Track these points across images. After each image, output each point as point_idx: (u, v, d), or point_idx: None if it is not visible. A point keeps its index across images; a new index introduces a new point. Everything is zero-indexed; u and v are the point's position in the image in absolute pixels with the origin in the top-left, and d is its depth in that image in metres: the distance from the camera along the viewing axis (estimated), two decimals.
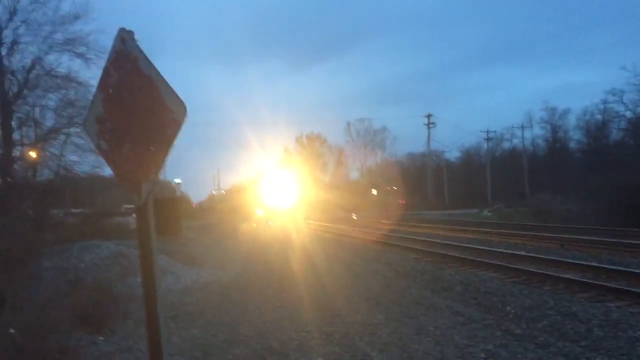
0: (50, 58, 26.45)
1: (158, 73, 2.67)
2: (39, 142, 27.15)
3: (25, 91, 26.26)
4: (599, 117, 58.03)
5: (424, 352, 6.07)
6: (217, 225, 33.16)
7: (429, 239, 20.06)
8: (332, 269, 12.87)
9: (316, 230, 30.04)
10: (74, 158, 27.29)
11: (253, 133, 79.29)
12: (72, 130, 26.40)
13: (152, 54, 2.69)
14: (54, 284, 10.06)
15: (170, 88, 2.66)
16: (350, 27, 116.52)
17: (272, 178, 36.77)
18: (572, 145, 64.73)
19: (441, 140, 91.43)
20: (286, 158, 64.39)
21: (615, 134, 57.03)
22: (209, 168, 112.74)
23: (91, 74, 26.14)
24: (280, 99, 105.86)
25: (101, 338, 7.05)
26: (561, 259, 12.73)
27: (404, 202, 53.52)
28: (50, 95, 26.92)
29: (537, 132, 68.63)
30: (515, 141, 68.86)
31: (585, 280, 9.96)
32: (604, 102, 54.76)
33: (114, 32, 2.76)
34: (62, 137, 27.20)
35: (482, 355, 5.93)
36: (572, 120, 63.79)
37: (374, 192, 59.65)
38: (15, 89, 26.01)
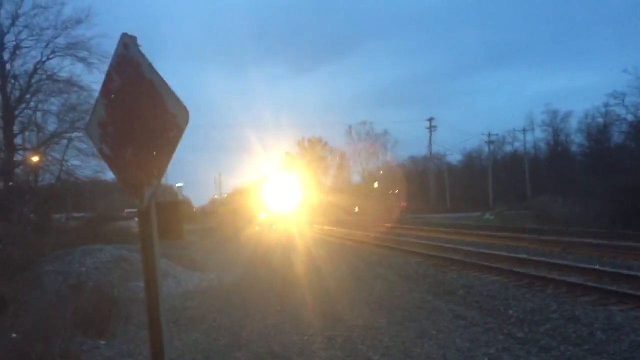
0: (53, 62, 26.61)
1: (160, 78, 2.68)
2: (41, 146, 27.24)
3: (27, 95, 26.38)
4: (600, 120, 58.02)
5: (426, 355, 6.06)
6: (219, 229, 33.15)
7: (431, 242, 20.03)
8: (334, 272, 12.85)
9: (319, 233, 30.02)
10: (76, 162, 27.42)
11: (255, 136, 79.57)
12: (74, 134, 26.52)
13: (154, 57, 2.71)
14: (56, 288, 10.07)
15: (173, 93, 2.67)
16: (351, 30, 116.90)
17: (274, 181, 36.73)
18: (574, 148, 64.70)
19: (443, 143, 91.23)
20: (288, 161, 64.41)
21: (616, 137, 57.00)
22: (210, 171, 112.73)
23: (93, 78, 26.30)
24: (281, 102, 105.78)
25: (103, 342, 7.05)
26: (563, 262, 12.69)
27: (405, 205, 53.47)
28: (53, 99, 27.06)
29: (539, 135, 68.64)
30: (517, 144, 68.85)
31: (588, 283, 9.93)
32: (606, 105, 54.72)
33: (116, 37, 2.78)
34: (64, 141, 27.32)
35: (485, 359, 5.91)
36: (573, 123, 63.70)
37: (376, 195, 59.61)
38: (17, 94, 26.12)
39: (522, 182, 58.58)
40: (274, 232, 28.06)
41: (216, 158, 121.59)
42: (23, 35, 25.80)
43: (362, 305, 8.86)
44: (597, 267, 11.95)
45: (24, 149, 27.06)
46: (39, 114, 27.65)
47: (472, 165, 72.95)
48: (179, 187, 64.98)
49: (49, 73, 26.40)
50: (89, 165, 26.93)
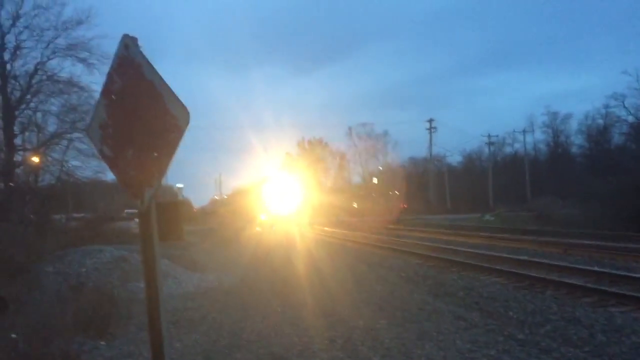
0: (53, 63, 26.61)
1: (161, 79, 2.68)
2: (41, 147, 27.24)
3: (27, 96, 26.37)
4: (600, 121, 58.14)
5: (426, 357, 6.06)
6: (219, 230, 33.12)
7: (432, 244, 20.04)
8: (335, 273, 12.85)
9: (319, 234, 30.02)
10: (76, 163, 27.43)
11: (255, 137, 79.61)
12: (75, 135, 26.51)
13: (155, 57, 2.71)
14: (56, 289, 10.06)
15: (174, 94, 2.67)
16: (352, 31, 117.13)
17: (274, 182, 36.74)
18: (574, 149, 64.85)
19: (443, 145, 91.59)
20: (288, 162, 64.44)
21: (616, 138, 57.13)
22: (210, 172, 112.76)
23: (93, 79, 26.33)
24: (282, 102, 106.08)
25: (103, 343, 7.04)
26: (564, 264, 12.69)
27: (405, 206, 53.48)
28: (53, 100, 27.05)
29: (539, 137, 68.80)
30: (517, 146, 68.99)
31: (588, 285, 9.93)
32: (606, 106, 54.92)
33: (117, 37, 2.78)
34: (65, 142, 27.32)
35: None
36: (573, 125, 63.91)
37: (376, 195, 59.61)
38: (17, 94, 26.12)
39: (522, 183, 58.61)
40: (275, 233, 28.08)
41: (216, 159, 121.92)
42: (24, 36, 25.82)
43: (363, 307, 8.85)
44: (597, 268, 11.95)
45: (24, 150, 27.06)
46: (39, 115, 27.66)
47: (473, 166, 73.02)
48: (179, 188, 65.04)
49: (49, 74, 26.41)
50: (89, 166, 26.95)
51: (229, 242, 23.91)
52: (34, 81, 26.16)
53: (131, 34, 2.78)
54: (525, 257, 14.38)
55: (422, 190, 61.73)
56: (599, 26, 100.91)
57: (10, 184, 24.07)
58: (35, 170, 26.56)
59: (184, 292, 11.12)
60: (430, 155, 65.47)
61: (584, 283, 10.17)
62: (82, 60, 26.15)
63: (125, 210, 40.60)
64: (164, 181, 3.11)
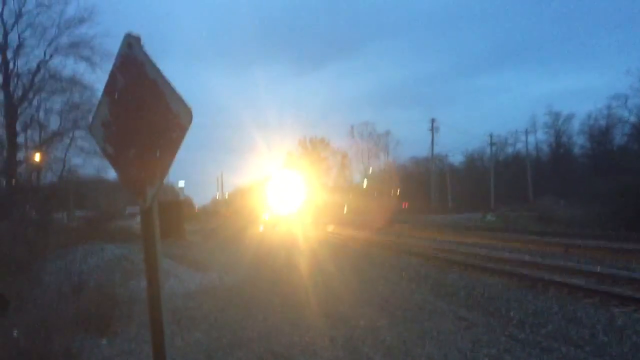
0: (55, 61, 26.70)
1: (164, 78, 2.68)
2: (44, 145, 27.29)
3: (30, 94, 26.44)
4: (602, 122, 57.94)
5: (427, 356, 6.06)
6: (221, 229, 33.15)
7: (433, 244, 20.04)
8: (336, 273, 12.86)
9: (321, 233, 30.00)
10: (78, 161, 27.53)
11: (257, 136, 79.58)
12: (77, 133, 26.59)
13: (157, 56, 2.70)
14: (58, 287, 10.07)
15: (176, 93, 2.67)
16: (355, 30, 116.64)
17: (276, 181, 36.73)
18: (576, 150, 64.64)
19: (445, 144, 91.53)
20: (290, 161, 64.45)
21: (619, 139, 56.94)
22: (212, 171, 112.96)
23: (96, 77, 26.41)
24: (284, 102, 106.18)
25: (104, 341, 7.06)
26: (565, 264, 12.68)
27: (407, 206, 53.43)
28: (55, 98, 27.15)
29: (541, 137, 68.54)
30: (519, 146, 68.80)
31: (590, 285, 9.92)
32: (608, 107, 54.75)
33: (119, 36, 2.78)
34: (67, 140, 27.39)
35: None
36: (575, 125, 63.71)
37: (376, 195, 59.56)
38: (20, 92, 26.19)
39: (524, 183, 58.50)
40: (277, 233, 28.08)
41: (218, 158, 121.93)
42: (26, 34, 25.90)
43: (365, 306, 8.85)
44: (598, 269, 11.93)
45: (27, 148, 27.12)
46: (41, 113, 27.74)
47: (474, 166, 72.86)
48: (180, 187, 65.05)
49: (51, 72, 26.49)
50: (91, 164, 27.08)
51: (231, 242, 23.93)
52: (36, 79, 26.23)
53: (133, 32, 2.78)
54: (527, 257, 14.38)
55: (424, 190, 61.66)
56: (602, 26, 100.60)
57: (13, 182, 24.12)
58: (37, 168, 26.63)
59: (186, 290, 11.13)
60: (432, 154, 65.40)
61: (586, 283, 10.17)
62: (85, 59, 26.27)
63: (127, 209, 40.66)
64: (165, 180, 3.11)
